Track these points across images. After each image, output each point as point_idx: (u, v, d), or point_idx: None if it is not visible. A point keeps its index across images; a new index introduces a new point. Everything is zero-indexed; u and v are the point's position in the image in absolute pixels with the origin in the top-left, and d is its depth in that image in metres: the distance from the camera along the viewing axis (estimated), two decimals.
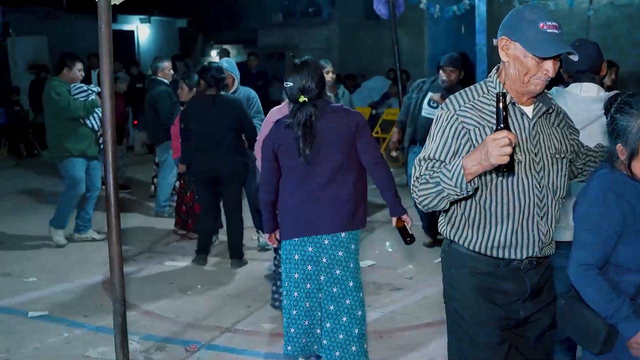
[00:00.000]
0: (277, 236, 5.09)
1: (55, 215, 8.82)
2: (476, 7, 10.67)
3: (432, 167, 3.13)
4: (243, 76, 8.53)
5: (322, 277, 4.82)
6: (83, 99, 8.57)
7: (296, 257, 4.82)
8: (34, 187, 12.86)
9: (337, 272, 4.83)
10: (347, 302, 4.84)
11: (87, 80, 15.07)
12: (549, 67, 3.04)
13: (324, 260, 4.81)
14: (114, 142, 4.68)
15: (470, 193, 2.99)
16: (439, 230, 3.43)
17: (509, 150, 2.74)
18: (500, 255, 3.22)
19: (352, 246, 4.88)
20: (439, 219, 3.43)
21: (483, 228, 3.22)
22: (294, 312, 4.84)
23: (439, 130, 3.18)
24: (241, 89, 8.05)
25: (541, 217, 3.20)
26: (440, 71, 7.93)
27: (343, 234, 4.82)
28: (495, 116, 2.95)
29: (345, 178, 4.82)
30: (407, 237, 4.86)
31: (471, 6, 12.15)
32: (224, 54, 16.57)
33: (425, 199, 3.09)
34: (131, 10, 23.50)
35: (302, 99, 4.71)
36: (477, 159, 2.86)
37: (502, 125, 2.83)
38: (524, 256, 3.22)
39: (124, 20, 24.41)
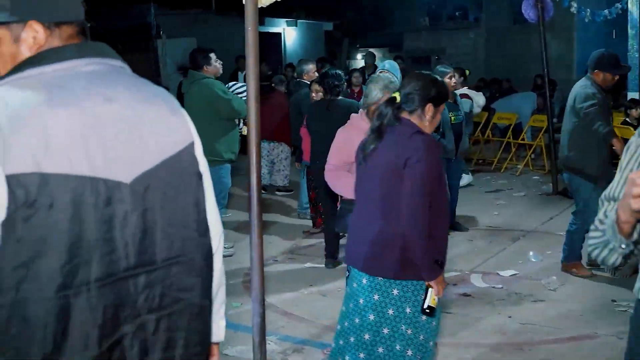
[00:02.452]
0: None
1: None
2: (629, 12, 10.30)
3: (611, 209, 2.51)
4: None
5: (356, 320, 4.32)
6: (244, 97, 8.44)
7: (348, 289, 4.47)
8: None
9: (371, 317, 4.24)
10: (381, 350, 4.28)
11: (233, 81, 15.37)
12: None
13: (361, 301, 4.28)
14: (258, 143, 4.72)
15: (627, 248, 2.33)
16: None
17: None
18: None
19: (395, 291, 4.20)
20: None
21: None
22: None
23: (626, 161, 2.60)
24: None
25: None
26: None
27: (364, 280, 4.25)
28: None
29: (381, 214, 4.18)
30: (423, 306, 4.18)
31: (623, 10, 11.75)
32: (369, 57, 16.56)
33: (594, 249, 2.49)
34: (278, 14, 23.82)
35: (396, 93, 4.25)
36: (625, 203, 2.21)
37: None
38: None
39: (271, 23, 24.78)
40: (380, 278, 4.16)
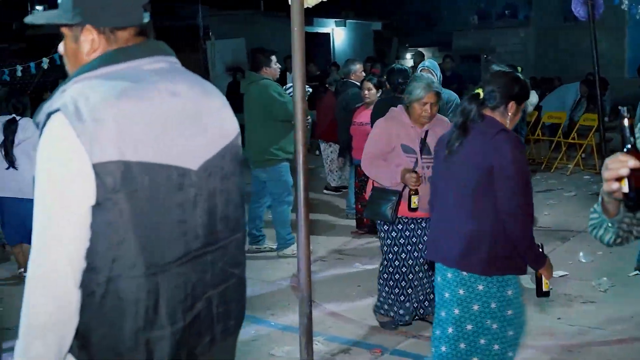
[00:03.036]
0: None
1: (279, 236, 8.55)
2: None
3: None
4: None
5: (442, 313, 4.34)
6: None
7: (439, 278, 4.40)
8: None
9: (456, 311, 4.26)
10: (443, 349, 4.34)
11: (282, 81, 15.38)
12: None
13: (446, 295, 4.31)
14: (304, 144, 4.72)
15: (613, 227, 2.43)
16: None
17: (613, 175, 2.13)
18: None
19: (480, 287, 4.22)
20: None
21: None
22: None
23: None
24: (443, 91, 7.98)
25: None
26: None
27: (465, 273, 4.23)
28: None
29: (468, 212, 4.20)
30: (540, 290, 4.33)
31: None
32: (418, 56, 16.47)
33: (593, 229, 2.57)
34: (327, 14, 23.86)
35: (477, 90, 4.21)
36: None
37: (628, 146, 2.18)
38: None
39: (320, 24, 24.82)
40: (465, 273, 4.19)
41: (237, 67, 18.73)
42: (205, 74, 19.89)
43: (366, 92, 8.89)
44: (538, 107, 15.02)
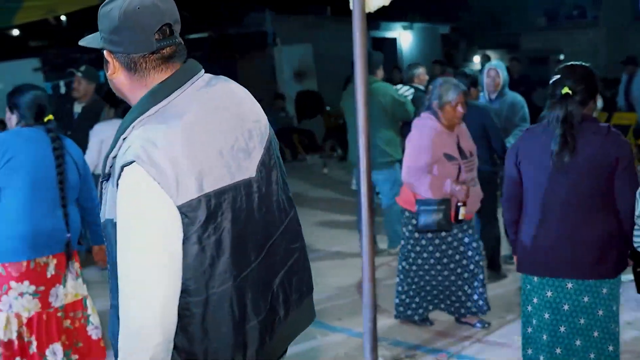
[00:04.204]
0: None
1: (395, 234, 8.51)
2: None
3: None
4: None
5: (561, 328, 4.23)
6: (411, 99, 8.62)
7: (535, 300, 4.31)
8: (295, 191, 13.28)
9: (581, 321, 4.19)
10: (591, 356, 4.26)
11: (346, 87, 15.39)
12: None
13: (566, 307, 4.21)
14: (368, 148, 4.73)
15: None
16: None
17: None
18: None
19: (604, 290, 4.16)
20: None
21: None
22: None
23: None
24: (509, 93, 7.93)
25: None
26: None
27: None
28: None
29: (593, 216, 4.09)
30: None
31: None
32: (485, 59, 16.38)
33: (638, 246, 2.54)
34: (394, 18, 23.81)
35: (565, 90, 4.04)
36: None
37: None
38: None
39: (387, 28, 24.78)
40: (591, 280, 4.11)
41: (304, 72, 18.83)
42: (272, 80, 20.03)
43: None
44: (611, 108, 14.80)
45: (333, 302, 7.06)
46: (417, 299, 6.16)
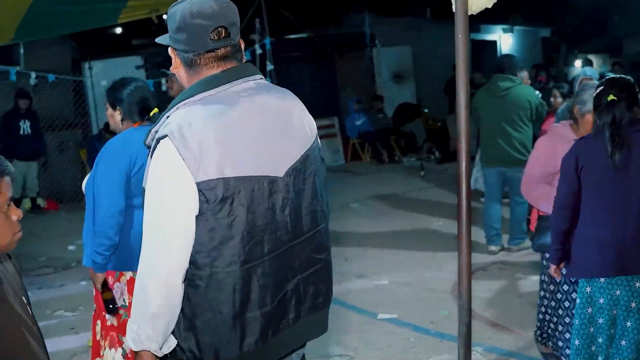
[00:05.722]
0: (563, 269, 4.64)
1: (522, 231, 8.85)
2: None
3: None
4: None
5: (628, 323, 4.28)
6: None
7: (601, 300, 4.31)
8: (391, 192, 13.30)
9: None
10: None
11: (451, 91, 15.31)
12: None
13: (633, 305, 4.26)
14: (467, 151, 4.69)
15: None
16: None
17: None
18: None
19: None
20: None
21: None
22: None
23: None
24: None
25: None
26: None
27: None
28: None
29: None
30: None
31: None
32: (586, 63, 16.08)
33: None
34: (494, 20, 23.55)
35: (610, 97, 4.25)
36: None
37: None
38: None
39: (486, 30, 24.51)
40: None
41: (402, 74, 18.77)
42: (371, 81, 20.03)
43: (556, 99, 9.02)
44: None
45: (427, 305, 7.04)
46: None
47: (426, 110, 18.65)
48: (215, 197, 2.54)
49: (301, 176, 2.78)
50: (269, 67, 13.72)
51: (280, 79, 14.51)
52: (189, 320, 2.64)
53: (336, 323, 6.53)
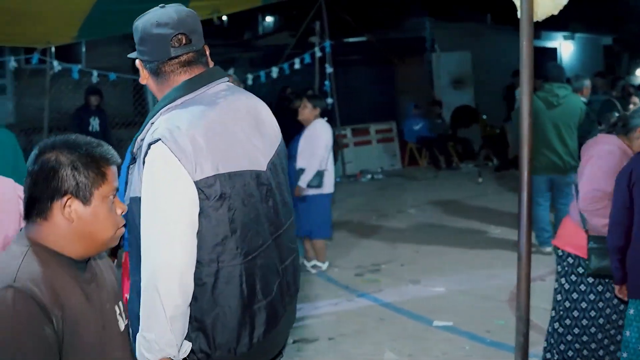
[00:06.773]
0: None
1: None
2: None
3: None
4: None
5: None
6: None
7: None
8: (448, 198, 13.22)
9: None
10: None
11: (510, 98, 15.18)
12: None
13: None
14: (529, 160, 4.63)
15: None
16: None
17: None
18: None
19: None
20: None
21: None
22: None
23: None
24: None
25: None
26: None
27: None
28: None
29: None
30: None
31: None
32: None
33: None
34: (555, 27, 23.29)
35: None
36: None
37: None
38: None
39: (547, 37, 24.28)
40: None
41: (461, 80, 18.66)
42: (429, 85, 19.95)
43: (631, 107, 8.95)
44: None
45: (483, 313, 6.97)
46: None
47: (484, 117, 18.49)
48: (215, 194, 2.64)
49: (278, 170, 2.97)
50: (329, 69, 13.73)
51: (339, 81, 14.51)
52: (197, 320, 2.69)
53: (390, 328, 6.53)
